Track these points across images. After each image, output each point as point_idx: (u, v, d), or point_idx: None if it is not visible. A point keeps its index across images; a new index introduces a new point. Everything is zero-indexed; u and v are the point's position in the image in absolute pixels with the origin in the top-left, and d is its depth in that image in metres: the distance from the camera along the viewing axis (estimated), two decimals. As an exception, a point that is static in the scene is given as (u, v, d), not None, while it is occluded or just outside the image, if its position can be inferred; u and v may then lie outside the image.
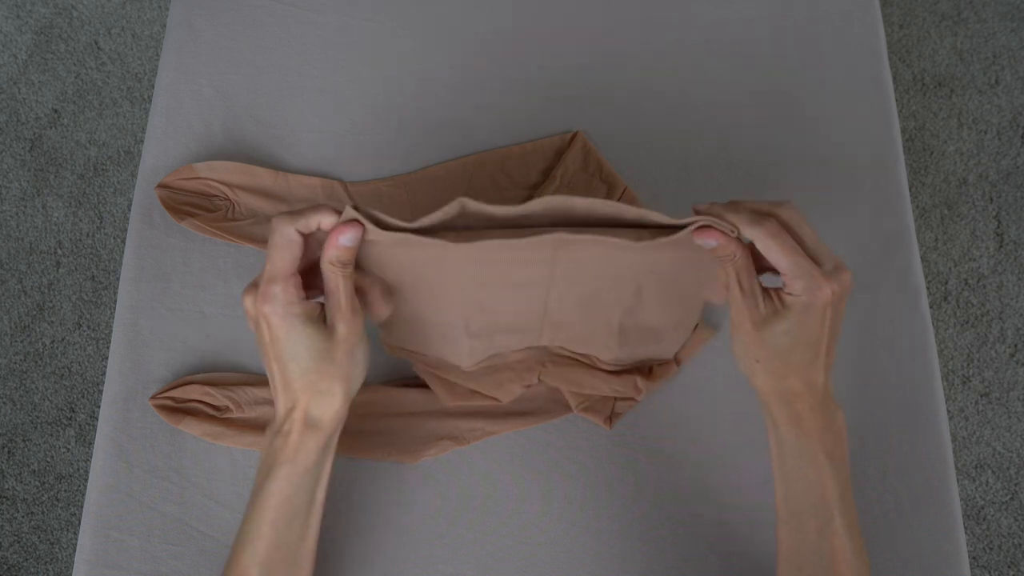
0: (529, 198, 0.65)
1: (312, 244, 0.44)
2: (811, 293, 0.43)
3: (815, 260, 0.44)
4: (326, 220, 0.43)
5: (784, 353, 0.45)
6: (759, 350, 0.45)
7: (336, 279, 0.44)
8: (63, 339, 1.24)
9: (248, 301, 0.44)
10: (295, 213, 0.43)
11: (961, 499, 1.14)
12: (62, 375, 1.22)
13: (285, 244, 0.43)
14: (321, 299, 0.45)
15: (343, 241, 0.42)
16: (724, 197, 0.66)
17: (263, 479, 0.46)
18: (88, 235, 1.29)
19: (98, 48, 1.39)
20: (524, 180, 0.67)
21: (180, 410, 0.59)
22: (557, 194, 0.64)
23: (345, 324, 0.44)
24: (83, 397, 1.21)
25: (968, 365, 1.21)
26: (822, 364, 0.45)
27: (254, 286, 0.44)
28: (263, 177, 0.66)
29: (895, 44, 1.37)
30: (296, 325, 0.43)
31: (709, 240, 0.43)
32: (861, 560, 0.46)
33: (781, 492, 0.47)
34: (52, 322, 1.24)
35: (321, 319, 0.44)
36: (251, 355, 0.62)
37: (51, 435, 1.20)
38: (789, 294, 0.44)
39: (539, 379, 0.58)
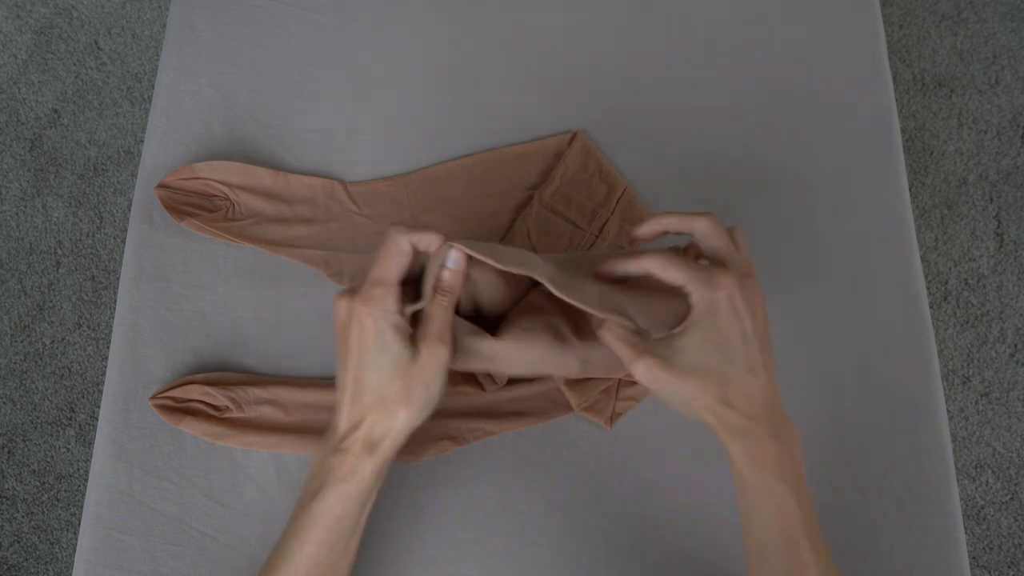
0: (528, 199, 0.66)
1: (412, 264, 0.45)
2: (710, 291, 0.43)
3: (723, 266, 0.45)
4: (434, 241, 0.44)
5: (713, 370, 0.43)
6: (686, 383, 0.44)
7: (435, 305, 0.44)
8: (63, 339, 1.24)
9: (342, 303, 0.44)
10: (412, 228, 0.44)
11: (961, 499, 1.14)
12: (62, 375, 1.22)
13: (397, 252, 0.43)
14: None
15: (451, 264, 0.44)
16: (724, 197, 0.66)
17: (313, 496, 0.45)
18: (88, 235, 1.29)
19: (98, 48, 1.39)
20: (524, 181, 0.67)
21: (180, 410, 0.59)
22: (556, 194, 0.65)
23: (429, 351, 0.44)
24: (83, 397, 1.21)
25: (968, 365, 1.21)
26: (761, 375, 0.44)
27: (350, 291, 0.44)
28: (263, 177, 0.66)
29: (895, 44, 1.37)
30: (387, 333, 0.43)
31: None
32: None
33: (745, 527, 0.45)
34: (52, 322, 1.24)
35: (411, 338, 0.44)
36: (251, 355, 0.62)
37: (51, 435, 1.20)
38: (691, 306, 0.44)
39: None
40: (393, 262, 0.44)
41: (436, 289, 0.44)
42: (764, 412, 0.44)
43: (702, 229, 0.46)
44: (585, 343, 0.48)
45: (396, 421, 0.44)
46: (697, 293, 0.44)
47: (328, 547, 0.45)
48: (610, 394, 0.59)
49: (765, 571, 0.45)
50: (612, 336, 0.45)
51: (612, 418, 0.59)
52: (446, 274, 0.44)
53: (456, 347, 0.46)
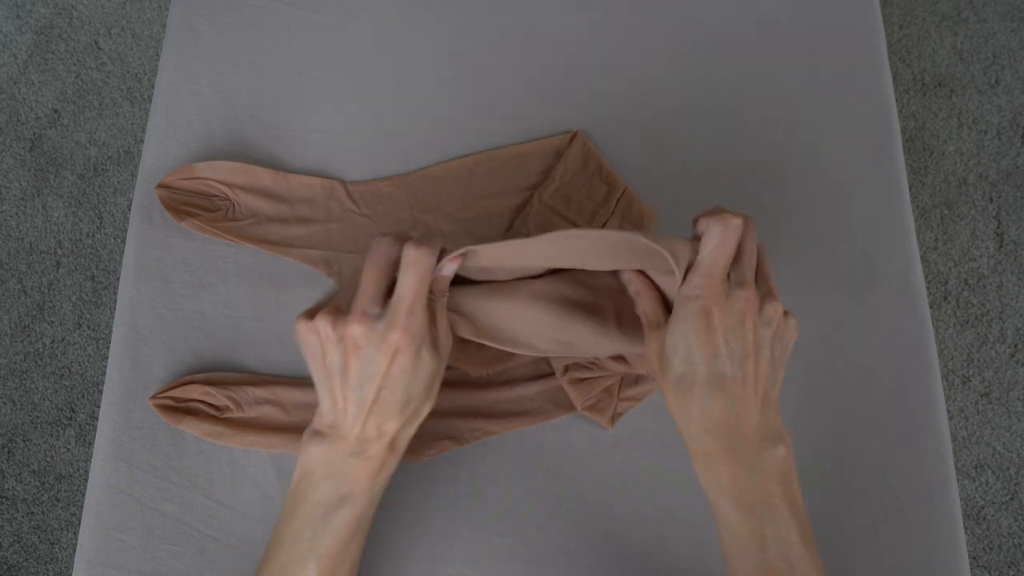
0: (528, 199, 0.66)
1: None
2: (687, 292, 0.43)
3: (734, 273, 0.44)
4: (453, 267, 0.45)
5: (679, 373, 0.43)
6: (663, 375, 0.44)
7: (438, 308, 0.45)
8: (63, 339, 1.24)
9: (359, 327, 0.42)
10: (431, 243, 0.43)
11: (961, 499, 1.14)
12: (62, 375, 1.22)
13: (427, 271, 0.43)
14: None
15: (446, 271, 0.44)
16: (724, 197, 0.66)
17: (340, 502, 0.45)
18: (88, 235, 1.29)
19: (98, 48, 1.39)
20: (524, 181, 0.67)
21: (180, 410, 0.59)
22: (556, 194, 0.65)
23: (446, 350, 0.45)
24: (83, 397, 1.21)
25: (968, 365, 1.21)
26: (730, 393, 0.42)
27: (329, 312, 0.43)
28: (263, 177, 0.66)
29: (895, 44, 1.37)
30: (425, 354, 0.43)
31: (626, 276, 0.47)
32: None
33: (723, 543, 0.46)
34: (52, 322, 1.24)
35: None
36: (251, 355, 0.62)
37: (51, 435, 1.20)
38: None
39: None
40: (421, 280, 0.43)
41: (432, 291, 0.45)
42: (722, 431, 0.42)
43: (708, 227, 0.44)
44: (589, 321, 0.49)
45: (420, 421, 0.46)
46: (683, 289, 0.43)
47: (343, 546, 0.46)
48: (611, 393, 0.59)
49: None
50: (647, 301, 0.45)
51: (613, 417, 0.59)
52: (440, 279, 0.45)
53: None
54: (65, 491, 1.18)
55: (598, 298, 0.50)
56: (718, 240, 0.43)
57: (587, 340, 0.49)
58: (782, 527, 0.42)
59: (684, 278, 0.44)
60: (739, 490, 0.43)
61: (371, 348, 0.42)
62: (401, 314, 0.42)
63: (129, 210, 1.24)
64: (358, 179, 0.67)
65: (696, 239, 0.45)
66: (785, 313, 0.44)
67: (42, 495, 1.17)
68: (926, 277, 1.23)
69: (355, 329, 0.42)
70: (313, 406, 0.59)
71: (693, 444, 0.44)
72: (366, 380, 0.43)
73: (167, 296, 0.64)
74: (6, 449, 1.19)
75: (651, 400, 0.60)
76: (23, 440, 1.20)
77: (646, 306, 0.46)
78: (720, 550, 0.46)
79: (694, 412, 0.43)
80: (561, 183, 0.65)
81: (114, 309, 1.02)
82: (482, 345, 0.53)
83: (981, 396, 1.19)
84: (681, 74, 0.70)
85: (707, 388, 0.42)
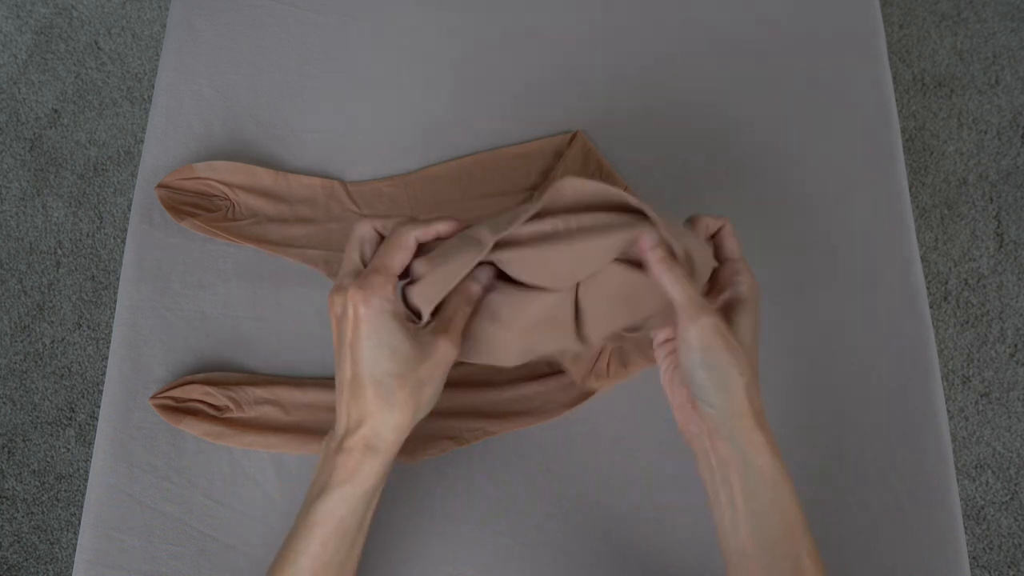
0: (529, 199, 0.65)
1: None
2: (754, 279, 0.46)
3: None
4: (444, 228, 0.44)
5: (752, 353, 0.45)
6: (739, 356, 0.43)
7: (461, 303, 0.44)
8: (63, 339, 1.24)
9: (337, 297, 0.42)
10: (419, 222, 0.43)
11: (961, 499, 1.14)
12: (62, 375, 1.22)
13: (400, 247, 0.43)
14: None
15: (484, 280, 0.45)
16: (724, 197, 0.66)
17: (317, 497, 0.44)
18: (88, 235, 1.29)
19: (98, 48, 1.39)
20: (524, 181, 0.67)
21: (180, 410, 0.59)
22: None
23: (448, 344, 0.43)
24: (83, 397, 1.21)
25: (968, 365, 1.21)
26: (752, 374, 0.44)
27: (341, 287, 0.42)
28: (263, 177, 0.66)
29: (895, 44, 1.37)
30: (386, 320, 0.41)
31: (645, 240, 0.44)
32: None
33: (747, 528, 0.44)
34: (52, 322, 1.24)
35: (409, 326, 0.42)
36: (251, 355, 0.62)
37: (51, 435, 1.20)
38: (737, 286, 0.46)
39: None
40: (395, 255, 0.42)
41: (465, 300, 0.44)
42: (756, 396, 0.44)
43: (724, 232, 0.48)
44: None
45: (402, 415, 0.43)
46: (748, 276, 0.46)
47: (333, 547, 0.45)
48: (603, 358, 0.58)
49: (772, 573, 0.44)
50: (682, 283, 0.43)
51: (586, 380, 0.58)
52: (475, 287, 0.44)
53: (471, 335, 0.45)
54: (65, 491, 1.18)
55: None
56: (734, 241, 0.48)
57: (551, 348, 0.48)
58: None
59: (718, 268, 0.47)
60: (773, 446, 0.44)
61: (343, 319, 0.42)
62: (359, 275, 0.42)
63: (129, 210, 1.24)
64: (358, 179, 0.67)
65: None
66: None
67: (42, 495, 1.17)
68: (926, 277, 1.23)
69: (333, 299, 0.42)
70: (313, 406, 0.59)
71: (757, 414, 0.44)
72: (343, 357, 0.42)
73: (167, 296, 0.64)
74: (6, 449, 1.19)
75: (650, 401, 0.60)
76: (23, 440, 1.20)
77: (690, 290, 0.44)
78: (727, 541, 0.46)
79: (756, 388, 0.44)
80: None
81: (114, 309, 1.02)
82: None
83: (981, 396, 1.19)
84: (681, 74, 0.70)
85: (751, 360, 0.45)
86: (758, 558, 0.44)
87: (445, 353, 0.43)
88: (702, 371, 0.42)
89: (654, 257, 0.43)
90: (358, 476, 0.43)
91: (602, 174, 0.66)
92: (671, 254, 0.43)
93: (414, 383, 0.42)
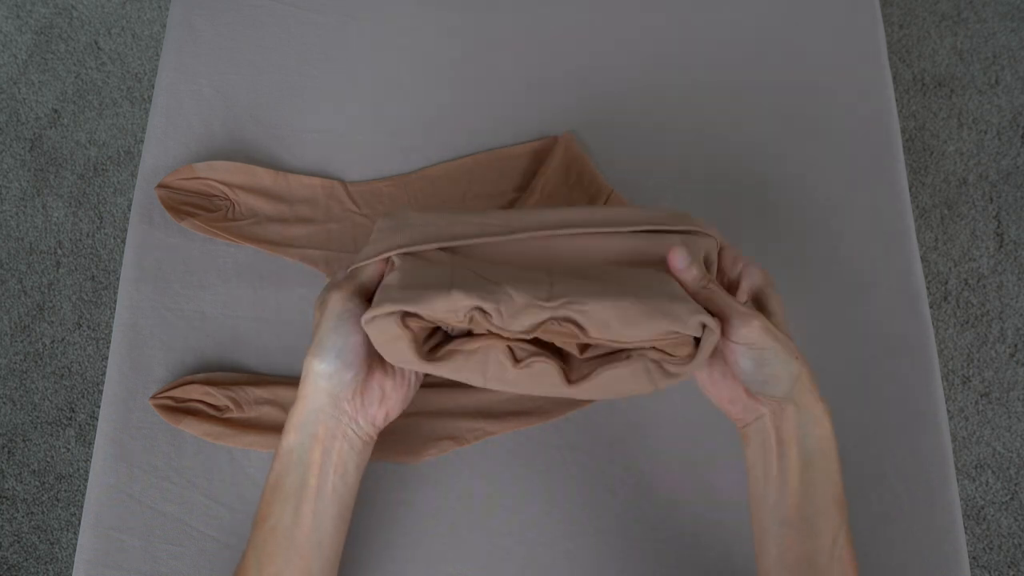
0: (517, 199, 0.65)
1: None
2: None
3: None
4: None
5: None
6: (790, 343, 0.45)
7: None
8: (63, 339, 1.24)
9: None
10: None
11: (961, 499, 1.14)
12: (62, 375, 1.22)
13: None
14: None
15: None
16: (724, 197, 0.66)
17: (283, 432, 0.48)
18: (88, 235, 1.29)
19: (98, 48, 1.39)
20: (523, 181, 0.67)
21: (180, 410, 0.59)
22: (539, 204, 0.64)
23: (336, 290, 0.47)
24: (83, 397, 1.21)
25: (968, 365, 1.21)
26: None
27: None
28: (263, 177, 0.66)
29: (895, 44, 1.37)
30: (334, 295, 0.46)
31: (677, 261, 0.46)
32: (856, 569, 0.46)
33: (795, 499, 0.45)
34: (52, 322, 1.24)
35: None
36: (251, 355, 0.62)
37: (51, 435, 1.20)
38: (759, 278, 0.48)
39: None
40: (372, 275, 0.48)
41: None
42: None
43: (747, 263, 0.50)
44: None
45: (322, 363, 0.46)
46: (749, 262, 0.48)
47: (278, 508, 0.47)
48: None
49: (810, 545, 0.45)
50: (720, 295, 0.45)
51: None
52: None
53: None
54: (65, 491, 1.18)
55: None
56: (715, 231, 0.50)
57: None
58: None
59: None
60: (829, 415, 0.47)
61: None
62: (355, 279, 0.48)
63: (129, 210, 1.24)
64: (358, 179, 0.67)
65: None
66: None
67: (42, 495, 1.17)
68: (926, 277, 1.23)
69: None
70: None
71: (803, 384, 0.46)
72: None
73: (167, 296, 0.64)
74: (6, 449, 1.19)
75: (651, 400, 0.60)
76: (23, 440, 1.20)
77: (729, 300, 0.46)
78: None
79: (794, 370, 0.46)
80: (541, 195, 0.65)
81: (114, 309, 1.02)
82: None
83: (981, 396, 1.19)
84: (681, 75, 0.70)
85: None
86: (801, 528, 0.45)
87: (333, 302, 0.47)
88: (763, 368, 0.45)
89: (689, 277, 0.45)
90: (287, 435, 0.47)
91: (583, 184, 0.65)
92: (699, 268, 0.45)
93: (346, 352, 0.46)
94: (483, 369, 0.44)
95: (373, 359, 0.47)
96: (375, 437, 0.50)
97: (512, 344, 0.44)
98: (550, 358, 0.44)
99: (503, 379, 0.45)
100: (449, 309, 0.42)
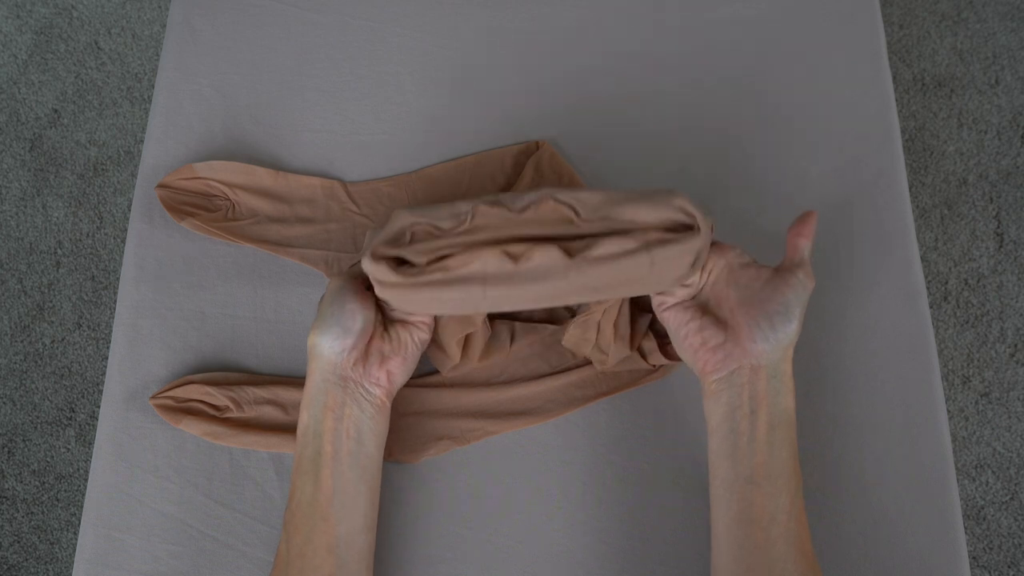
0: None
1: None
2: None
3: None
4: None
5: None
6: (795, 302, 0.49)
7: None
8: (63, 339, 1.24)
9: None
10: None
11: (961, 499, 1.14)
12: (62, 375, 1.22)
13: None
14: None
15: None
16: (724, 197, 0.66)
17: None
18: (88, 235, 1.29)
19: (98, 48, 1.39)
20: (507, 183, 0.66)
21: (180, 410, 0.59)
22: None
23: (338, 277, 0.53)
24: (83, 397, 1.21)
25: (968, 365, 1.21)
26: None
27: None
28: (263, 177, 0.66)
29: (895, 44, 1.37)
30: (338, 281, 0.52)
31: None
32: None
33: (762, 458, 0.48)
34: (52, 322, 1.24)
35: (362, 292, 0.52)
36: (251, 355, 0.62)
37: (51, 435, 1.20)
38: (782, 264, 0.51)
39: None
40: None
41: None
42: None
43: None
44: None
45: (323, 336, 0.50)
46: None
47: (299, 480, 0.49)
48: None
49: (773, 503, 0.47)
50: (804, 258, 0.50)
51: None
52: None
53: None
54: (65, 491, 1.18)
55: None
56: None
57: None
58: None
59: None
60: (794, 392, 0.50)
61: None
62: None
63: (129, 210, 1.24)
64: (358, 179, 0.67)
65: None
66: None
67: (42, 495, 1.17)
68: (926, 277, 1.23)
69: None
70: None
71: (787, 351, 0.49)
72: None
73: (167, 296, 0.64)
74: (6, 449, 1.19)
75: (651, 401, 0.60)
76: (23, 440, 1.20)
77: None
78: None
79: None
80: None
81: (114, 309, 1.02)
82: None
83: (981, 396, 1.19)
84: (680, 75, 0.70)
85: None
86: (764, 487, 0.47)
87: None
88: (789, 310, 0.48)
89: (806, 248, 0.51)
90: (305, 409, 0.51)
91: (563, 183, 0.65)
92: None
93: (336, 327, 0.50)
94: (483, 287, 0.46)
95: (373, 326, 0.51)
96: (387, 403, 0.53)
97: (507, 249, 0.45)
98: (546, 245, 0.45)
99: (507, 293, 0.46)
100: (452, 214, 0.47)
